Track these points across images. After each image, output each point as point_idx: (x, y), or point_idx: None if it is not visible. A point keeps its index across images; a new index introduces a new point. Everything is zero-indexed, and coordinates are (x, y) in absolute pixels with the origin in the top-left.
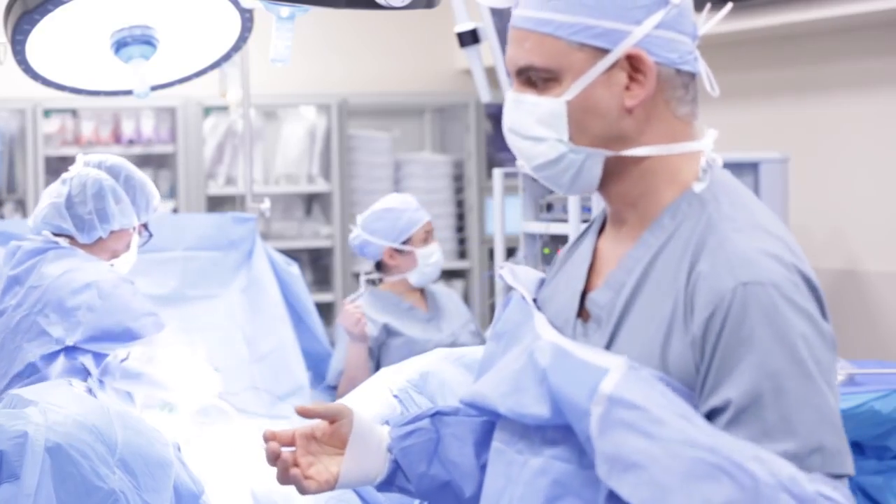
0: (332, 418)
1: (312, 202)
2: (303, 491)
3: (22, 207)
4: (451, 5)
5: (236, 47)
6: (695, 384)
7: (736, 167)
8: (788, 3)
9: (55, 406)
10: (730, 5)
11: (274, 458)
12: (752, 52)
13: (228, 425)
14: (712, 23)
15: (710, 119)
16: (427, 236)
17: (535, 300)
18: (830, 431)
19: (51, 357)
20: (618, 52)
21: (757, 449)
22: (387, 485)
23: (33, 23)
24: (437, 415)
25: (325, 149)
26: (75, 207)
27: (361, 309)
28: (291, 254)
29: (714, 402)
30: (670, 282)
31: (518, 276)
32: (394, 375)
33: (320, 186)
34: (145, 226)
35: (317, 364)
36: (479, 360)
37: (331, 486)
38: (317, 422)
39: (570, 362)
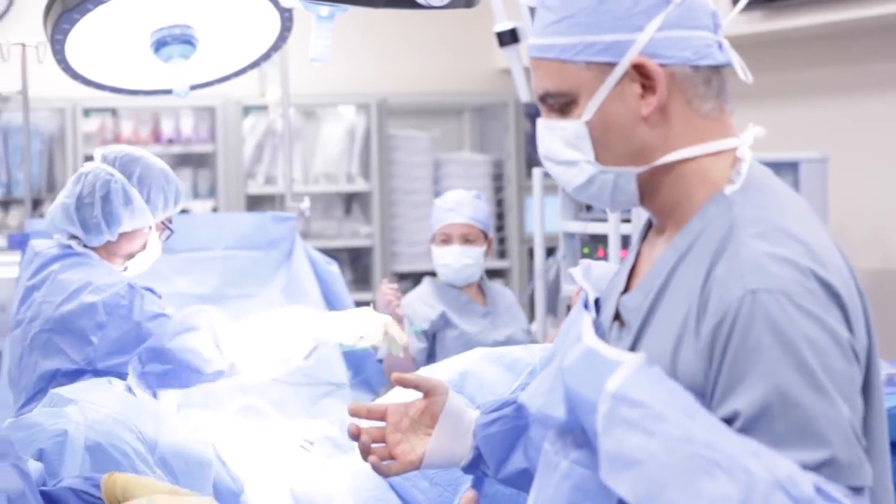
0: (427, 391)
1: (352, 201)
2: (382, 475)
3: None
4: (490, 5)
5: (276, 47)
6: (704, 391)
7: (775, 167)
8: (828, 3)
9: (95, 405)
10: (744, 1)
11: (354, 437)
12: (792, 51)
13: (267, 424)
14: (732, 14)
15: (750, 119)
16: (447, 238)
17: (598, 299)
18: (842, 443)
19: (75, 375)
20: (624, 64)
21: (757, 446)
22: (472, 468)
23: (73, 22)
24: None
25: (365, 148)
26: (83, 210)
27: (398, 291)
28: (331, 253)
29: (722, 412)
30: (689, 286)
31: (590, 273)
32: (433, 375)
33: (360, 186)
34: (167, 221)
35: (356, 363)
36: (518, 359)
37: (415, 466)
38: (411, 398)
39: (593, 362)
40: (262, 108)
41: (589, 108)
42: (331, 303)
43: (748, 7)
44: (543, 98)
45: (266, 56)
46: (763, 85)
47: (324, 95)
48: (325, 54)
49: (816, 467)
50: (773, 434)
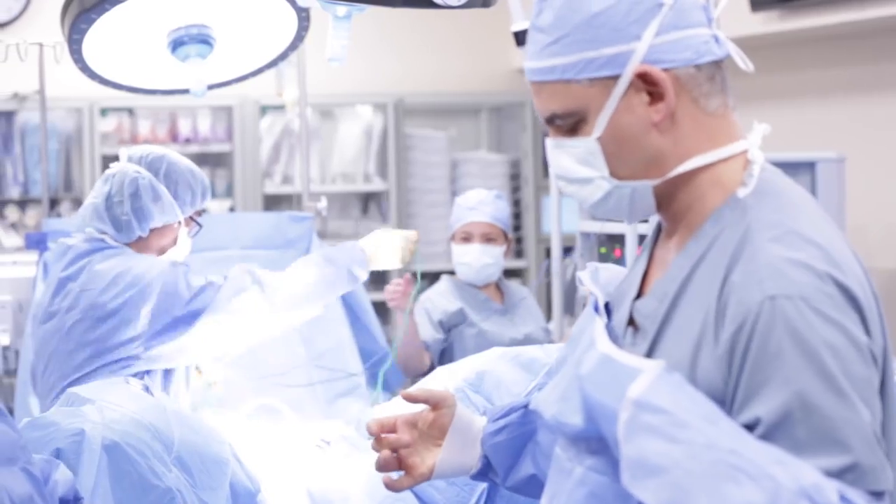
0: (435, 405)
1: (369, 201)
2: (394, 491)
3: (78, 206)
4: (507, 5)
5: (293, 46)
6: (723, 398)
7: (792, 167)
8: (845, 3)
9: (112, 404)
10: None
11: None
12: (809, 51)
13: (283, 424)
14: (720, 9)
15: (767, 119)
16: (468, 236)
17: (608, 303)
18: (864, 448)
19: (121, 363)
20: (628, 75)
21: (781, 453)
22: (481, 476)
23: (90, 22)
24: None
25: (382, 148)
26: (113, 208)
27: (402, 287)
28: None
29: (743, 419)
30: (706, 292)
31: (599, 277)
32: (450, 375)
33: (377, 185)
34: (196, 216)
35: (374, 363)
36: (535, 358)
37: (425, 479)
38: (420, 409)
39: (612, 369)
40: (280, 108)
41: (599, 124)
42: (347, 303)
43: (765, 7)
44: (551, 120)
45: (283, 56)
46: (780, 85)
47: (341, 95)
48: (343, 54)
49: (839, 473)
50: (794, 440)
